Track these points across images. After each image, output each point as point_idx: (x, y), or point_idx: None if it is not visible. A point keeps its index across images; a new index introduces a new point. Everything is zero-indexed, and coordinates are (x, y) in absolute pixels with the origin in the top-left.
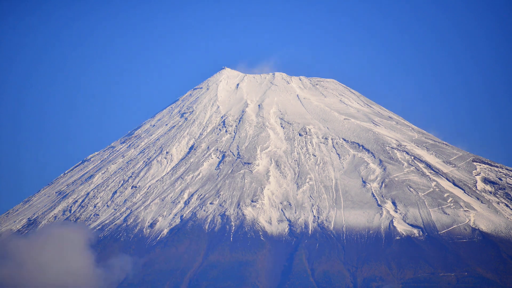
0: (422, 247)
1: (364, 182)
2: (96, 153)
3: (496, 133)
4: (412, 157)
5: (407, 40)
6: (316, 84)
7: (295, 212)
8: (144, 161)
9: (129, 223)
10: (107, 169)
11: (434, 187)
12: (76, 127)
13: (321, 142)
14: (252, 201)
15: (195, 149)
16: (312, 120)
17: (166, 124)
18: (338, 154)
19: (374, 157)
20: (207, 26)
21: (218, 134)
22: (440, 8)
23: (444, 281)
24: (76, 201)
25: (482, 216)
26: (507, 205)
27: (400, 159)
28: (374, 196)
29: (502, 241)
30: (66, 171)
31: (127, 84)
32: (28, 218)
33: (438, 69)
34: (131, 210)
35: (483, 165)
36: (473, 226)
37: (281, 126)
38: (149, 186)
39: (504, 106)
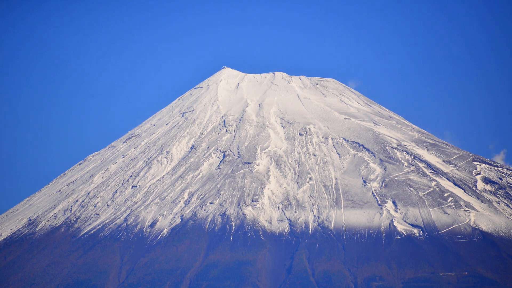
0: (422, 247)
1: (364, 181)
2: (96, 152)
3: (496, 133)
4: (412, 157)
5: (408, 39)
6: (316, 84)
7: (295, 212)
8: (144, 161)
9: (129, 222)
10: (107, 168)
11: (434, 187)
12: (76, 126)
13: (321, 142)
14: (252, 201)
15: (195, 149)
16: (312, 120)
17: (167, 124)
18: (339, 154)
19: (375, 156)
20: (208, 26)
21: (218, 133)
22: (440, 8)
23: (444, 280)
24: (77, 200)
25: (482, 216)
26: (507, 205)
27: (400, 158)
28: (374, 195)
29: (503, 241)
30: (67, 171)
31: (127, 84)
32: (29, 218)
33: (438, 69)
34: (132, 209)
35: (483, 164)
36: (473, 225)
37: (282, 126)
38: (150, 185)
39: (505, 105)
